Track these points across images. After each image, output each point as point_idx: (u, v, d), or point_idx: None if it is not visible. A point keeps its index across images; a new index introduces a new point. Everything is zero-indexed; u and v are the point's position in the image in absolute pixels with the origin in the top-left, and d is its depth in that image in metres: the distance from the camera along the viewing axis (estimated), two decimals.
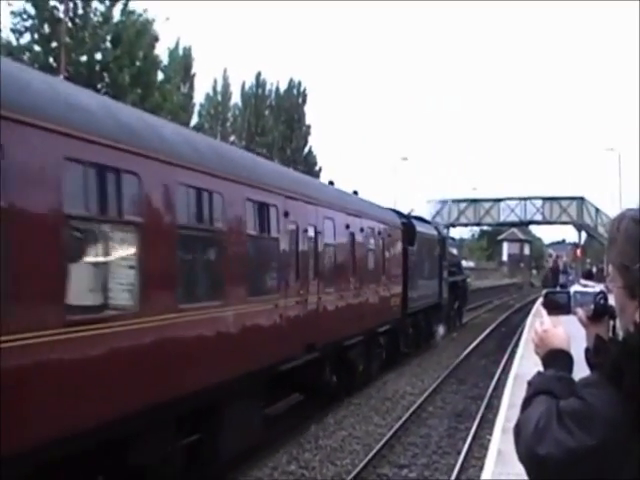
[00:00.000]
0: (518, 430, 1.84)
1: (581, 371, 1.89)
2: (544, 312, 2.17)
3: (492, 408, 13.82)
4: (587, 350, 2.11)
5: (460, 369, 19.71)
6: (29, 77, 6.06)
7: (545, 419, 1.74)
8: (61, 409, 5.70)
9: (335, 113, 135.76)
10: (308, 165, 49.64)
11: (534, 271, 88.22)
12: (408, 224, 20.38)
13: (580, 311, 2.15)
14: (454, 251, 32.36)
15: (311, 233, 12.13)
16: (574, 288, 2.23)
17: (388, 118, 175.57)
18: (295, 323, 11.11)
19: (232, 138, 49.06)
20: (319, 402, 13.34)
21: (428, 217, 32.94)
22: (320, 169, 52.80)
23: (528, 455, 1.77)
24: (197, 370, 7.87)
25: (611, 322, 2.10)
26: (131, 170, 6.70)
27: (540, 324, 2.10)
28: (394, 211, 20.87)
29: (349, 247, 14.36)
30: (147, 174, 6.94)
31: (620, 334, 1.95)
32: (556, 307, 2.20)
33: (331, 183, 15.95)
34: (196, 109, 47.73)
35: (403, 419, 13.32)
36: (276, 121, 51.82)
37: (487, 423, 12.71)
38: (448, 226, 38.20)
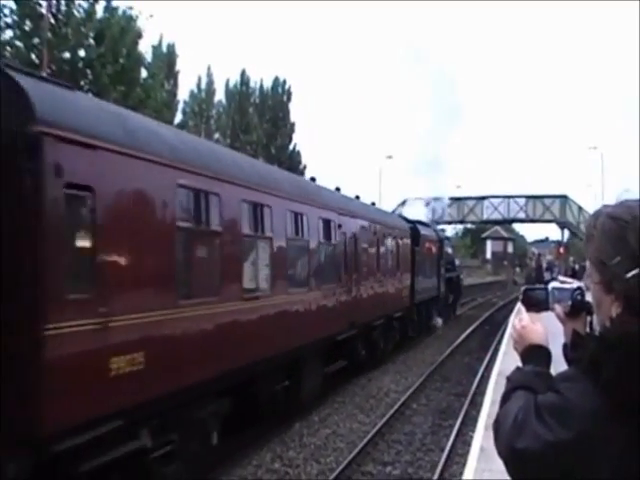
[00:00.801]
0: (497, 425, 1.85)
1: (560, 367, 1.90)
2: (522, 309, 2.19)
3: (475, 405, 13.92)
4: (565, 345, 2.13)
5: (444, 366, 19.82)
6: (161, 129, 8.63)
7: (523, 414, 1.76)
8: (236, 350, 9.41)
9: (319, 110, 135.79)
10: (292, 163, 49.54)
11: (517, 269, 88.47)
12: (414, 228, 24.44)
13: (558, 307, 2.17)
14: (449, 250, 34.64)
15: (352, 239, 16.03)
16: (552, 285, 2.24)
17: (373, 116, 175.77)
18: (344, 305, 15.08)
19: (216, 136, 48.87)
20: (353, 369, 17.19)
21: (413, 215, 34.01)
22: (304, 167, 52.79)
23: (507, 450, 1.77)
24: (294, 334, 11.78)
25: (588, 318, 2.12)
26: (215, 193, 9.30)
27: (519, 320, 2.12)
28: (402, 217, 25.89)
29: (375, 249, 18.44)
30: (276, 204, 11.27)
31: (597, 329, 1.96)
32: (534, 303, 2.21)
33: (312, 179, 16.09)
34: (180, 106, 47.61)
35: (387, 416, 13.37)
36: (260, 119, 51.70)
37: (470, 420, 12.79)
38: (431, 224, 38.59)
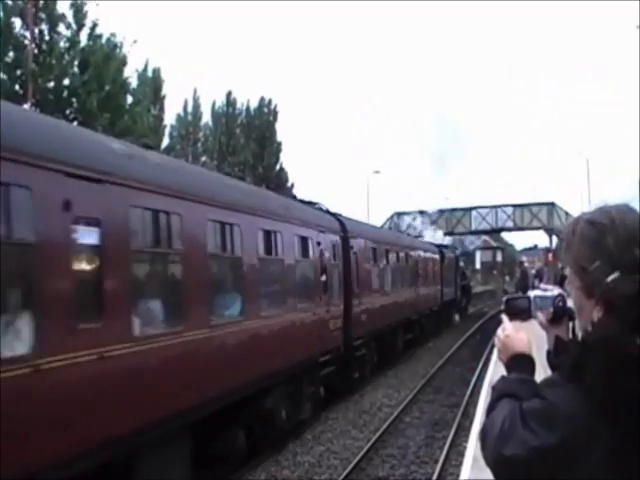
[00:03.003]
0: (484, 434, 1.85)
1: (544, 374, 1.92)
2: (505, 318, 2.19)
3: (468, 416, 13.88)
4: (548, 352, 2.14)
5: (436, 378, 19.80)
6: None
7: (509, 421, 1.76)
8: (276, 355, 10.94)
9: (306, 129, 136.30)
10: (280, 182, 49.46)
11: (507, 277, 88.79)
12: (440, 250, 34.51)
13: (540, 315, 2.18)
14: (462, 264, 45.70)
15: (413, 261, 26.27)
16: (534, 293, 2.25)
17: (359, 133, 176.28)
18: (397, 306, 21.89)
19: (203, 158, 48.76)
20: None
21: (402, 228, 45.78)
22: (292, 185, 52.69)
23: (494, 457, 1.78)
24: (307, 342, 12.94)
25: (570, 324, 2.13)
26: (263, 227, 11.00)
27: (502, 330, 2.12)
28: (431, 244, 35.32)
29: (416, 266, 26.80)
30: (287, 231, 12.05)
31: (579, 334, 1.98)
32: (517, 312, 2.22)
33: (295, 197, 16.09)
34: (167, 130, 47.48)
35: (380, 431, 13.31)
36: (247, 139, 51.65)
37: (464, 431, 12.75)
38: (419, 236, 38.88)
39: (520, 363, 2.01)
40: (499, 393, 1.91)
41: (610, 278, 1.76)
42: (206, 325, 8.55)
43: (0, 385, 5.10)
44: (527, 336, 2.09)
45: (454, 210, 53.65)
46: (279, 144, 53.92)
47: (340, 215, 17.08)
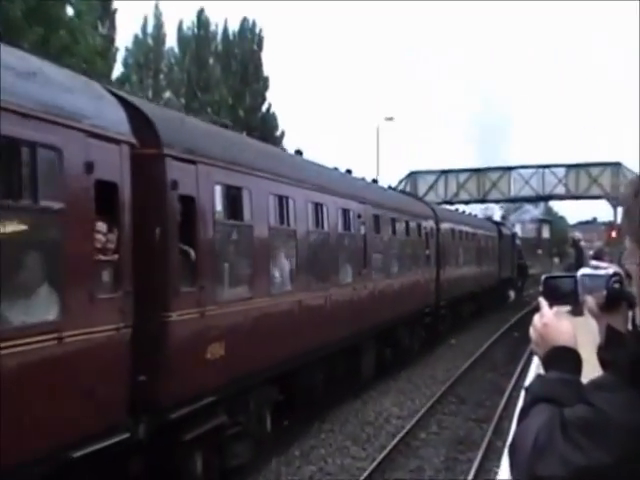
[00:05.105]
0: (514, 447, 1.86)
1: (593, 374, 1.93)
2: (544, 302, 2.20)
3: (501, 433, 13.97)
4: (599, 347, 2.15)
5: (460, 384, 19.90)
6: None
7: (547, 432, 1.76)
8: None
9: (300, 64, 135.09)
10: (267, 129, 49.07)
11: (556, 259, 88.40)
12: (498, 227, 44.89)
13: (590, 299, 2.18)
14: (518, 242, 53.08)
15: (468, 240, 35.06)
16: (582, 271, 2.26)
17: (368, 71, 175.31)
18: (466, 279, 32.36)
19: (167, 94, 48.20)
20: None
21: (419, 192, 47.37)
22: (282, 134, 52.42)
23: (527, 478, 1.78)
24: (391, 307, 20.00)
25: (630, 312, 2.12)
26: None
27: (539, 317, 2.13)
28: (490, 221, 48.24)
29: (477, 245, 36.63)
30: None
31: None
32: (559, 295, 2.24)
33: (299, 153, 16.55)
34: (120, 56, 46.83)
35: (388, 449, 13.36)
36: (225, 72, 51.22)
37: (495, 453, 12.86)
38: (442, 203, 38.97)
39: (562, 359, 2.02)
40: (535, 396, 1.93)
41: None
42: (369, 279, 18.16)
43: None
44: (571, 325, 2.10)
45: (488, 170, 52.69)
46: (265, 80, 53.37)
47: (433, 204, 32.04)
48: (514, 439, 1.88)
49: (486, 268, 38.25)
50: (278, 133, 51.89)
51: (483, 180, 52.13)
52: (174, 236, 9.16)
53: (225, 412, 10.44)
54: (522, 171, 51.91)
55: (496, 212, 73.64)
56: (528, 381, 14.58)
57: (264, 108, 53.02)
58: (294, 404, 13.88)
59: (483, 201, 52.56)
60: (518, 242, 53.26)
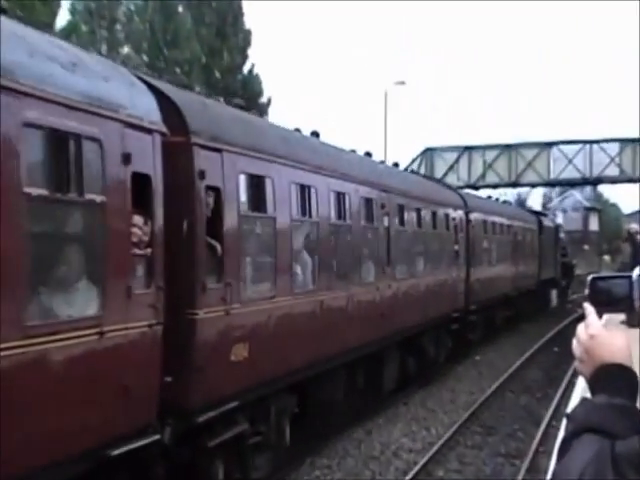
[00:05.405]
0: None
1: None
2: (591, 309, 2.15)
3: (537, 471, 13.56)
4: None
5: (487, 410, 19.05)
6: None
7: (594, 470, 1.78)
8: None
9: (289, 16, 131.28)
10: (249, 94, 44.98)
11: (606, 257, 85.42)
12: (538, 218, 41.13)
13: None
14: (562, 235, 50.44)
15: (502, 234, 32.39)
16: (637, 271, 2.34)
17: (373, 27, 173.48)
18: (498, 280, 30.35)
19: (125, 50, 44.15)
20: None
21: (436, 173, 44.16)
22: (269, 101, 48.51)
23: None
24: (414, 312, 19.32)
25: None
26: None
27: (585, 328, 2.11)
28: (529, 210, 45.87)
29: (513, 239, 33.95)
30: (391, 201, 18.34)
31: None
32: (610, 301, 2.25)
33: (315, 134, 16.15)
34: (66, 2, 43.22)
35: None
36: (197, 24, 47.57)
37: None
38: (465, 187, 37.30)
39: (612, 379, 1.99)
40: (579, 425, 1.92)
41: None
42: (393, 278, 17.53)
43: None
44: (625, 337, 2.08)
45: (521, 146, 46.46)
46: (247, 34, 48.36)
47: (462, 191, 29.73)
48: (554, 476, 1.92)
49: (523, 267, 35.47)
50: (264, 100, 47.02)
51: (516, 158, 45.65)
52: (202, 229, 9.38)
53: (247, 420, 10.69)
54: (565, 147, 45.37)
55: (532, 198, 72.04)
56: (571, 407, 13.31)
57: (245, 69, 47.85)
58: (308, 417, 13.76)
59: (515, 185, 48.06)
60: (562, 236, 50.54)
